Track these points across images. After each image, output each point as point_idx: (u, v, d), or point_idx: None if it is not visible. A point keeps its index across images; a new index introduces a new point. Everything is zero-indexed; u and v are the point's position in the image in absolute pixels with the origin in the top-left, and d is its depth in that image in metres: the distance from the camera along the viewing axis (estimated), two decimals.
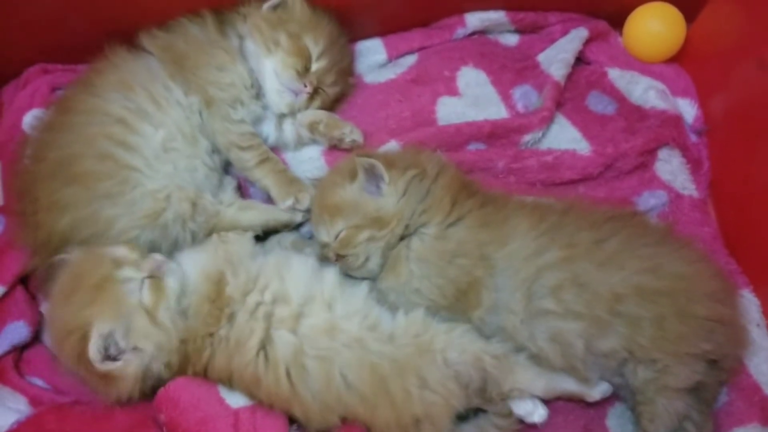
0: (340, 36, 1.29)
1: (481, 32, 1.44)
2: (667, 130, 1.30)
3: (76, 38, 1.29)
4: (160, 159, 1.16)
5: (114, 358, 0.99)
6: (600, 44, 1.41)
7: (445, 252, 1.06)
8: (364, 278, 1.13)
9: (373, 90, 1.37)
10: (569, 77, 1.36)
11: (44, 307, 1.10)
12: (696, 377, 1.00)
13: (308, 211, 1.23)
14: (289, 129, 1.29)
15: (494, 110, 1.34)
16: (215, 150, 1.25)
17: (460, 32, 1.42)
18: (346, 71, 1.32)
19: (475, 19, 1.41)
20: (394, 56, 1.42)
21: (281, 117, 1.28)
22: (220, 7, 1.28)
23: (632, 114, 1.34)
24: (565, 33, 1.41)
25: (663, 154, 1.30)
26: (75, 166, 1.12)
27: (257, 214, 1.23)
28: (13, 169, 1.22)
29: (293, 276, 1.10)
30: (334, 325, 1.05)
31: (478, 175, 1.26)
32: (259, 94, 1.26)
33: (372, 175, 1.08)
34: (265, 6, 1.24)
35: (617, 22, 1.42)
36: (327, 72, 1.25)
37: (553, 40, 1.41)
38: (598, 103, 1.37)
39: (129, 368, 1.00)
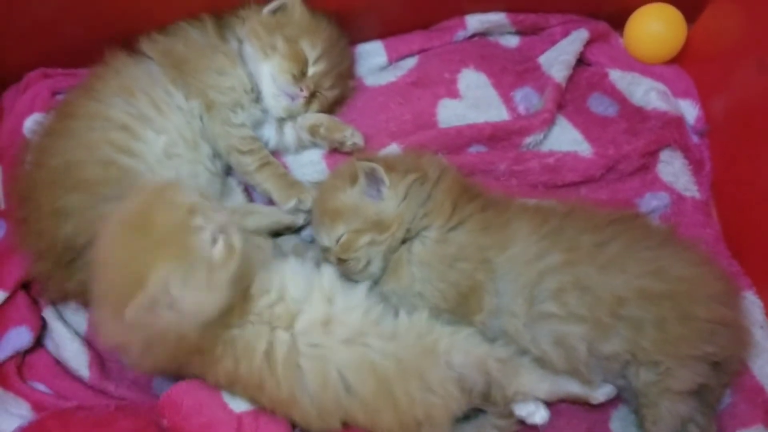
0: (339, 39, 1.29)
1: (482, 34, 1.44)
2: (668, 131, 1.30)
3: (76, 42, 1.28)
4: (163, 165, 1.16)
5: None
6: (601, 45, 1.41)
7: (446, 256, 1.06)
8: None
9: (373, 93, 1.37)
10: (570, 79, 1.36)
11: (100, 240, 0.96)
12: (699, 380, 1.00)
13: (310, 212, 1.23)
14: (289, 132, 1.29)
15: (495, 112, 1.34)
16: (216, 155, 1.25)
17: (461, 34, 1.41)
18: (345, 74, 1.32)
19: (475, 21, 1.41)
20: (394, 59, 1.41)
21: (281, 120, 1.28)
22: (221, 10, 1.27)
23: (634, 115, 1.33)
24: (565, 34, 1.40)
25: (665, 155, 1.30)
26: (78, 173, 1.12)
27: (260, 219, 1.23)
28: (14, 174, 1.21)
29: (291, 276, 1.08)
30: (331, 318, 1.03)
31: (480, 178, 1.26)
32: (258, 97, 1.26)
33: (373, 179, 1.08)
34: (265, 9, 1.23)
35: (618, 23, 1.42)
36: (324, 75, 1.25)
37: (553, 42, 1.41)
38: (599, 105, 1.36)
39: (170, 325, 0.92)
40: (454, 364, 1.02)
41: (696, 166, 1.31)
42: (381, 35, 1.43)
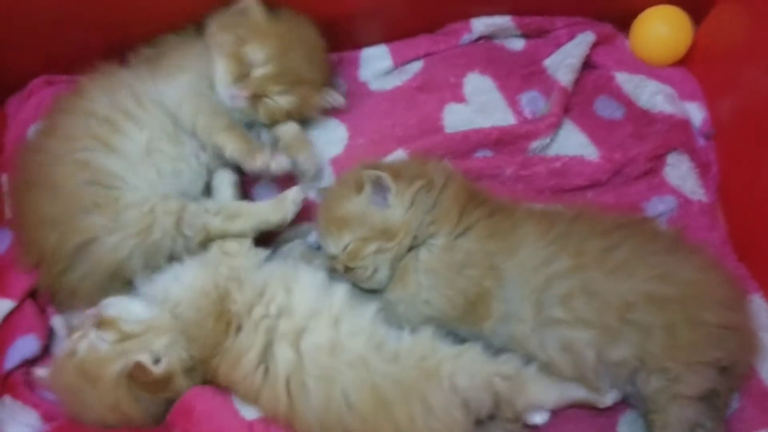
0: (302, 46, 1.24)
1: (487, 37, 1.43)
2: (675, 134, 1.29)
3: (79, 49, 1.28)
4: (144, 162, 1.16)
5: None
6: (607, 48, 1.40)
7: (453, 263, 1.06)
8: (372, 290, 1.12)
9: (379, 98, 1.37)
10: (576, 82, 1.35)
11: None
12: (708, 385, 1.00)
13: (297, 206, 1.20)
14: (266, 138, 1.29)
15: (501, 117, 1.34)
16: (203, 147, 1.23)
17: (466, 38, 1.41)
18: (306, 81, 1.26)
19: (481, 25, 1.40)
20: (399, 63, 1.41)
21: (251, 125, 1.28)
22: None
23: (640, 119, 1.33)
24: (571, 37, 1.39)
25: (671, 158, 1.30)
26: (52, 170, 1.13)
27: (245, 221, 1.18)
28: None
29: (300, 289, 1.09)
30: (337, 343, 1.04)
31: (486, 183, 1.26)
32: None
33: (379, 186, 1.08)
34: (229, 11, 1.23)
35: (624, 25, 1.41)
36: (272, 80, 1.21)
37: (559, 45, 1.40)
38: (605, 108, 1.36)
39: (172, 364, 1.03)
40: (458, 388, 1.01)
41: (702, 169, 1.30)
42: (386, 39, 1.42)
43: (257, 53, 1.20)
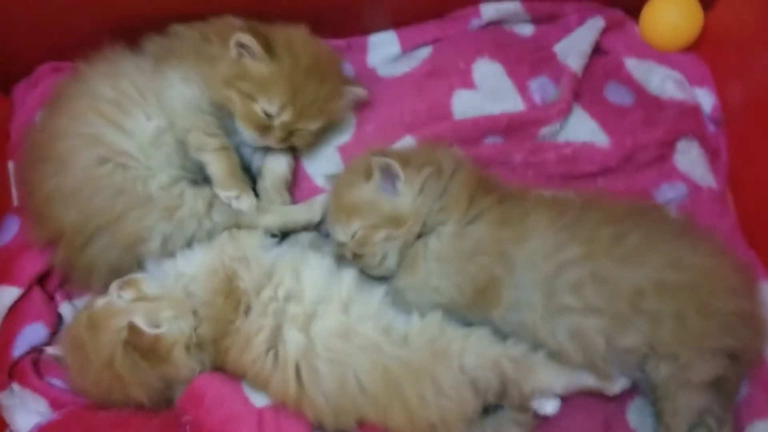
0: (313, 71, 1.17)
1: (497, 23, 1.42)
2: (685, 121, 1.28)
3: (86, 36, 1.27)
4: (154, 147, 1.15)
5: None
6: (616, 33, 1.39)
7: (463, 250, 1.06)
8: (381, 277, 1.12)
9: (387, 84, 1.35)
10: (586, 67, 1.34)
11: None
12: (718, 372, 0.99)
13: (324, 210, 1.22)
14: (258, 160, 1.28)
15: (511, 103, 1.32)
16: None
17: (475, 23, 1.40)
18: (326, 99, 1.20)
19: (490, 10, 1.39)
20: (408, 48, 1.40)
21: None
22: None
23: (650, 105, 1.32)
24: (581, 22, 1.38)
25: (681, 145, 1.29)
26: (58, 144, 1.12)
27: (274, 218, 1.21)
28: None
29: (309, 274, 1.10)
30: (348, 327, 1.05)
31: (496, 169, 1.24)
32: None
33: (387, 174, 1.07)
34: (232, 52, 1.15)
35: (634, 10, 1.40)
36: (294, 120, 1.18)
37: (569, 30, 1.39)
38: (615, 94, 1.34)
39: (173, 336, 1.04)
40: (467, 368, 1.02)
41: (712, 155, 1.30)
42: (394, 24, 1.41)
43: (271, 106, 1.15)
